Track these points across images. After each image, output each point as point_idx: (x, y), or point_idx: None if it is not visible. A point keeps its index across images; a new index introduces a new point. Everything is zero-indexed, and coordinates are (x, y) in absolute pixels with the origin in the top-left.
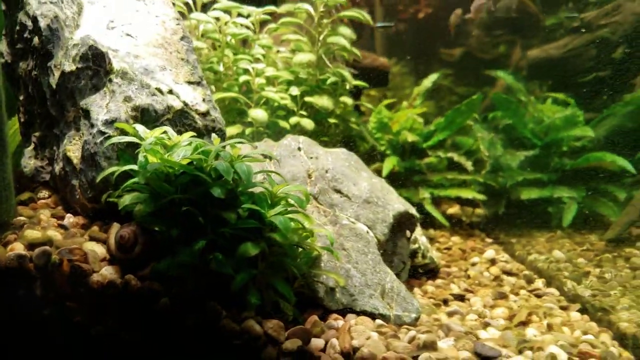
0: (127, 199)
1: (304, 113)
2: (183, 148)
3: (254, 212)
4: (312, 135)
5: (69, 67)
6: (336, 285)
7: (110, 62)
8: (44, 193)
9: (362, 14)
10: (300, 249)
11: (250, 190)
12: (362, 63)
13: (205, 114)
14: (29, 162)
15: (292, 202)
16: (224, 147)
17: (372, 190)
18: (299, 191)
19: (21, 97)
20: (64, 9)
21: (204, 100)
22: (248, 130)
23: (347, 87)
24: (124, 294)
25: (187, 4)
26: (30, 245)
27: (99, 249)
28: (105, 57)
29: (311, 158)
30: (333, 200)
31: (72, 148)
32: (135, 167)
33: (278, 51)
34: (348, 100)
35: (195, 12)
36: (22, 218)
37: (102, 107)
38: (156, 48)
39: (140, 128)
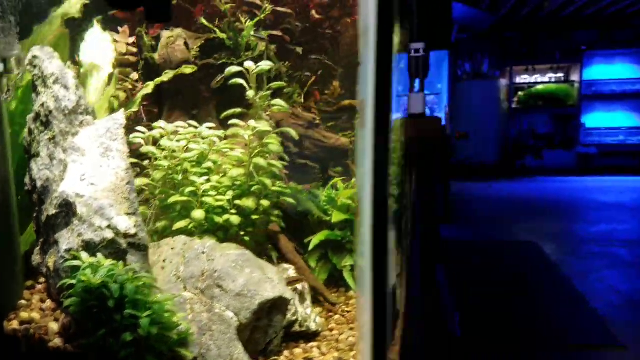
0: (67, 301)
1: (233, 211)
2: (103, 270)
3: (133, 315)
4: (239, 225)
5: (52, 211)
6: (196, 356)
7: (75, 209)
8: (41, 281)
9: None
10: (169, 334)
11: (136, 297)
12: (326, 143)
13: (134, 235)
14: (36, 257)
15: (164, 303)
16: (129, 271)
17: (246, 284)
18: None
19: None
20: (53, 171)
21: (135, 226)
22: (191, 225)
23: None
24: (65, 355)
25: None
26: (22, 322)
27: (56, 327)
28: (72, 206)
29: (209, 260)
30: (214, 293)
31: (51, 260)
32: (73, 281)
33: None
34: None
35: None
36: (22, 301)
37: (66, 239)
38: (109, 192)
39: (84, 255)
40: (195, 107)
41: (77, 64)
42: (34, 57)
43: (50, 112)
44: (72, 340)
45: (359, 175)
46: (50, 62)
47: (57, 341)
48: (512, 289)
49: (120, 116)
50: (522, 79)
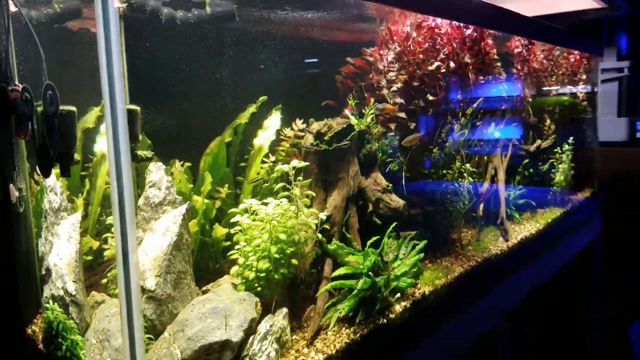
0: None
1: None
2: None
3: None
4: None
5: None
6: None
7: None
8: None
9: None
10: None
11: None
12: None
13: (153, 291)
14: None
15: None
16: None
17: (198, 331)
18: None
19: None
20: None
21: (157, 284)
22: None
23: None
24: None
25: None
26: None
27: None
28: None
29: (190, 310)
30: (177, 336)
31: None
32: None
33: None
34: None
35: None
36: None
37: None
38: (151, 260)
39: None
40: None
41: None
42: (149, 170)
43: (139, 206)
44: None
45: None
46: (156, 173)
47: None
48: None
49: (183, 208)
50: None
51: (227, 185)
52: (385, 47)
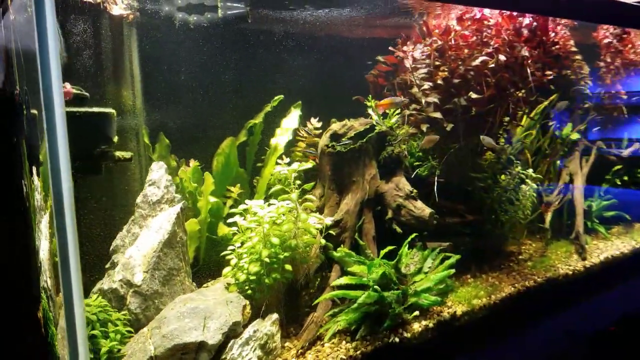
0: None
1: (245, 271)
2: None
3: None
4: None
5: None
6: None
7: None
8: None
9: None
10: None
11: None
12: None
13: (139, 286)
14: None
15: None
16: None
17: (174, 330)
18: None
19: None
20: (124, 240)
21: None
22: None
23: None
24: None
25: None
26: None
27: None
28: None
29: (171, 309)
30: (154, 332)
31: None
32: None
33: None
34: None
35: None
36: None
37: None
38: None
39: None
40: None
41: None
42: (151, 169)
43: (137, 204)
44: None
45: None
46: (157, 172)
47: None
48: None
49: (178, 207)
50: None
51: (239, 185)
52: (411, 44)
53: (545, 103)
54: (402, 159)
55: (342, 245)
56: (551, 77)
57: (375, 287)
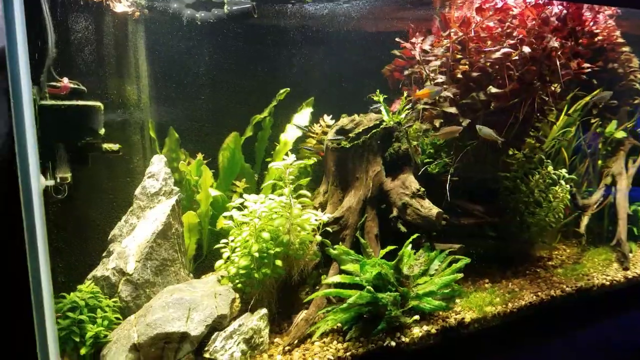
0: None
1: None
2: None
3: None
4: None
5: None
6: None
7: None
8: None
9: None
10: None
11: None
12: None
13: (130, 275)
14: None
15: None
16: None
17: (157, 319)
18: None
19: None
20: (122, 230)
21: (135, 269)
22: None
23: None
24: None
25: None
26: None
27: None
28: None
29: (158, 299)
30: (139, 320)
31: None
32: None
33: None
34: None
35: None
36: None
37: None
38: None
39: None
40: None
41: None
42: (151, 162)
43: (136, 195)
44: None
45: None
46: (156, 165)
47: None
48: None
49: (173, 199)
50: None
51: (244, 179)
52: (420, 35)
53: (587, 99)
54: (412, 155)
55: (341, 243)
56: (589, 70)
57: (369, 287)
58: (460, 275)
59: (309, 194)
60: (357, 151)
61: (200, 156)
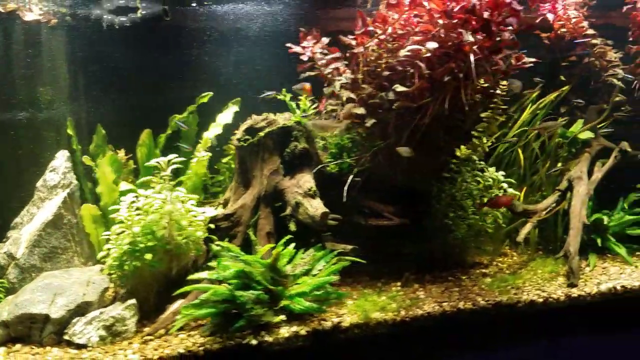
0: None
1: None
2: None
3: None
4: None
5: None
6: None
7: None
8: None
9: None
10: None
11: None
12: None
13: (18, 259)
14: None
15: None
16: None
17: (23, 301)
18: None
19: None
20: (23, 218)
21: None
22: None
23: None
24: None
25: None
26: None
27: None
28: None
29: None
30: (16, 300)
31: None
32: None
33: None
34: None
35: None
36: None
37: None
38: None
39: None
40: None
41: None
42: (55, 157)
43: (36, 187)
44: None
45: None
46: (59, 159)
47: None
48: None
49: (67, 191)
50: None
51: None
52: (312, 38)
53: (552, 96)
54: (312, 155)
55: (232, 240)
56: (530, 64)
57: (226, 284)
58: (336, 277)
59: (184, 190)
60: (253, 150)
61: (110, 151)
